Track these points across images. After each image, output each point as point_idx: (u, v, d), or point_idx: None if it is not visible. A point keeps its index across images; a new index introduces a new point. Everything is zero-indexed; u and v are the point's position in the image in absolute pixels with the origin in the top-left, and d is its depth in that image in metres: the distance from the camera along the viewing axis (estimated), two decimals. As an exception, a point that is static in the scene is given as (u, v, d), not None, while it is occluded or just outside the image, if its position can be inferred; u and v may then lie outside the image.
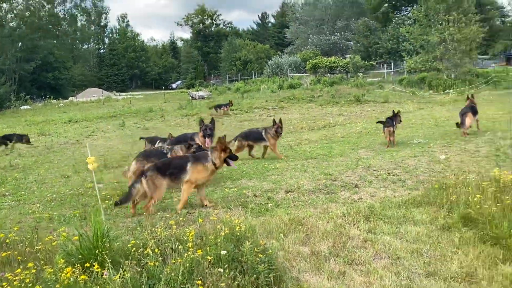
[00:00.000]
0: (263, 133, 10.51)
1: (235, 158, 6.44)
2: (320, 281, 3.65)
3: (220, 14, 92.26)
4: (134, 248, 3.85)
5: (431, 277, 3.60)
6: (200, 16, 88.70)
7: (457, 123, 12.09)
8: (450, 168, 7.78)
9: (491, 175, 5.72)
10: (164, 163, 6.43)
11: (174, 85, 77.91)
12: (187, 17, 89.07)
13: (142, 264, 3.64)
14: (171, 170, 6.17)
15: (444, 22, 32.04)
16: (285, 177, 7.75)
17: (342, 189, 6.67)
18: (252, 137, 10.86)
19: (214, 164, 6.21)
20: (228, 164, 6.35)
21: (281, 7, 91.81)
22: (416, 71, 36.48)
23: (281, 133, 10.50)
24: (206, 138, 8.54)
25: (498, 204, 4.54)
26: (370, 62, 46.45)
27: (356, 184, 6.87)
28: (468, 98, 13.19)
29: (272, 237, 4.60)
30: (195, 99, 36.95)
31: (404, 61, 43.26)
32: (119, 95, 52.59)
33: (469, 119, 11.73)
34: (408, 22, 50.20)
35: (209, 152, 6.32)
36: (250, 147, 11.04)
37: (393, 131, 11.10)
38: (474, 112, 12.16)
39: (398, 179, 7.10)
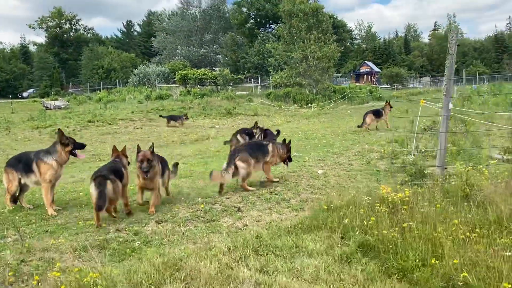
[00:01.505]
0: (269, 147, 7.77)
1: None
2: None
3: (80, 19, 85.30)
4: None
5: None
6: (56, 19, 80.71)
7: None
8: (330, 183, 7.55)
9: (378, 193, 5.48)
10: (110, 167, 5.95)
11: (25, 94, 68.96)
12: (41, 20, 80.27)
13: None
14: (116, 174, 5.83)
15: (306, 40, 34.15)
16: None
17: (224, 215, 5.80)
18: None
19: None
20: None
21: (147, 16, 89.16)
22: (282, 86, 38.22)
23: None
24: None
25: (396, 229, 4.16)
26: (239, 76, 47.43)
27: (239, 207, 6.08)
28: (386, 102, 16.15)
29: (141, 293, 3.49)
30: (50, 109, 32.88)
31: (270, 76, 45.16)
32: (-46, 104, 44.36)
33: (369, 119, 14.81)
34: (273, 39, 52.86)
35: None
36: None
37: None
38: (376, 114, 15.10)
39: (282, 198, 6.54)
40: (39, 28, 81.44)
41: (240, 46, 59.77)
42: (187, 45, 64.05)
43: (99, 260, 4.21)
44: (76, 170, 10.87)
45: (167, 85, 46.86)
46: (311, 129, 18.76)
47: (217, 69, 53.45)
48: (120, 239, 4.89)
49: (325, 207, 5.30)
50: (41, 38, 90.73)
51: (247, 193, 7.00)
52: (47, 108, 33.66)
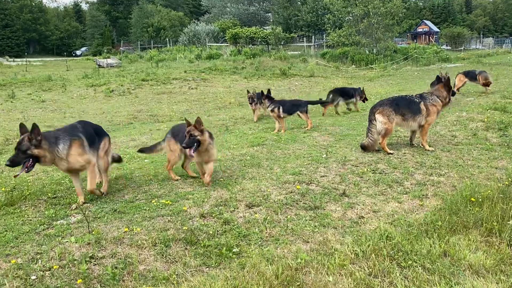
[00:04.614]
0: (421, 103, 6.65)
1: None
2: None
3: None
4: None
5: None
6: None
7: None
8: (441, 160, 6.18)
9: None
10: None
11: (78, 52, 70.33)
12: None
13: None
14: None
15: (368, -5, 31.50)
16: (237, 178, 5.52)
17: (326, 199, 4.64)
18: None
19: None
20: None
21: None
22: (339, 45, 35.85)
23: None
24: None
25: None
26: (291, 35, 45.26)
27: (344, 190, 4.89)
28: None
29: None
30: (103, 67, 32.78)
31: (325, 35, 42.70)
32: (13, 60, 45.57)
33: (457, 80, 13.32)
34: (328, -6, 49.76)
35: None
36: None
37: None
38: (468, 75, 13.39)
39: (392, 180, 5.28)
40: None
41: (292, 3, 56.94)
42: (236, 2, 61.94)
43: (189, 262, 3.22)
44: (136, 133, 10.07)
45: (217, 44, 45.60)
46: (380, 92, 17.02)
47: (267, 27, 51.31)
48: (208, 229, 3.86)
49: (473, 199, 4.01)
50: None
51: (343, 168, 5.80)
52: (100, 66, 33.67)
